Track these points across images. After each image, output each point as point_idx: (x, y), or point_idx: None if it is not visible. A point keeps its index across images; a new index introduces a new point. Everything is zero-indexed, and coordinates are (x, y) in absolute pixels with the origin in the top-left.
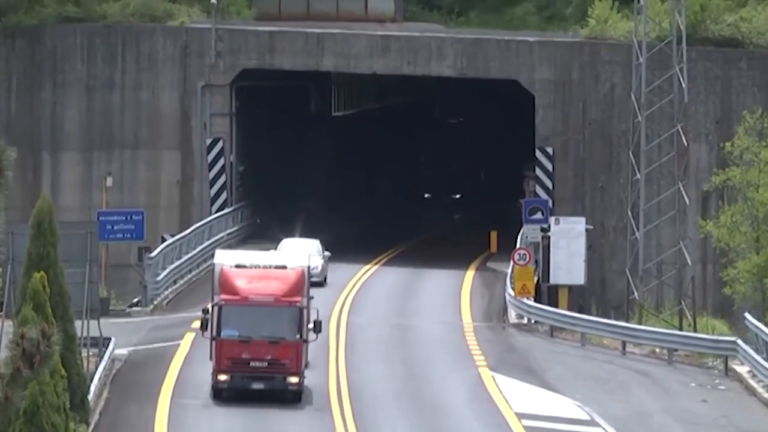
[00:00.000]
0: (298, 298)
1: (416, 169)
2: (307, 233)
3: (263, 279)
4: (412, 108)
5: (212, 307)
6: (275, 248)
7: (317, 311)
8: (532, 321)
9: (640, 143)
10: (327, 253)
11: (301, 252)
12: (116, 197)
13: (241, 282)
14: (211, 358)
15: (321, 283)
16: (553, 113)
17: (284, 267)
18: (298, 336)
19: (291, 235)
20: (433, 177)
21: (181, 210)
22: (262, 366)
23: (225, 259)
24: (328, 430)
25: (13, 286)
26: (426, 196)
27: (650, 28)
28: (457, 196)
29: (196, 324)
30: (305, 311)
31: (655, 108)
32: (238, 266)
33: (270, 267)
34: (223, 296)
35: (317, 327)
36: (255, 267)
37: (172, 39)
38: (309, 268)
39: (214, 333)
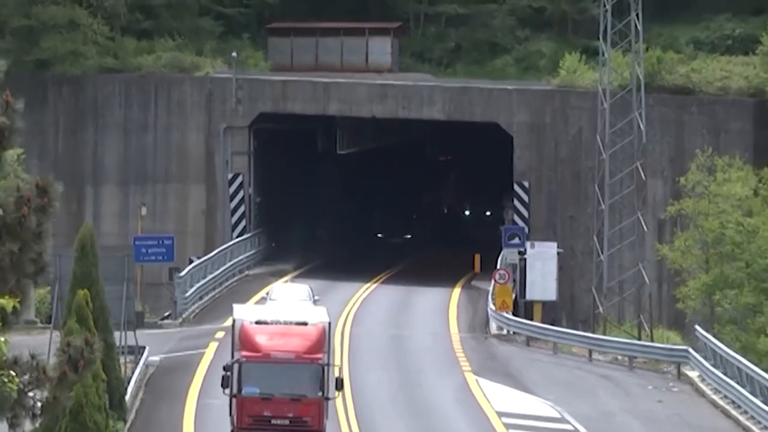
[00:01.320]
0: (319, 355)
1: (410, 199)
2: (314, 257)
3: (284, 335)
4: (406, 147)
5: (233, 364)
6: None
7: (339, 368)
8: (511, 332)
9: (604, 178)
10: (317, 298)
11: (296, 295)
12: (149, 224)
13: (262, 338)
14: (231, 415)
15: None
16: (528, 152)
17: (305, 323)
18: (320, 393)
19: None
20: (424, 206)
21: (206, 235)
22: (283, 424)
23: (245, 314)
24: (334, 428)
25: (60, 302)
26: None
27: (613, 78)
28: (451, 221)
29: (220, 335)
30: (327, 368)
31: (618, 147)
32: (258, 322)
33: (291, 323)
34: (244, 353)
35: (339, 384)
36: (276, 323)
37: (198, 87)
38: (330, 324)
39: (235, 390)
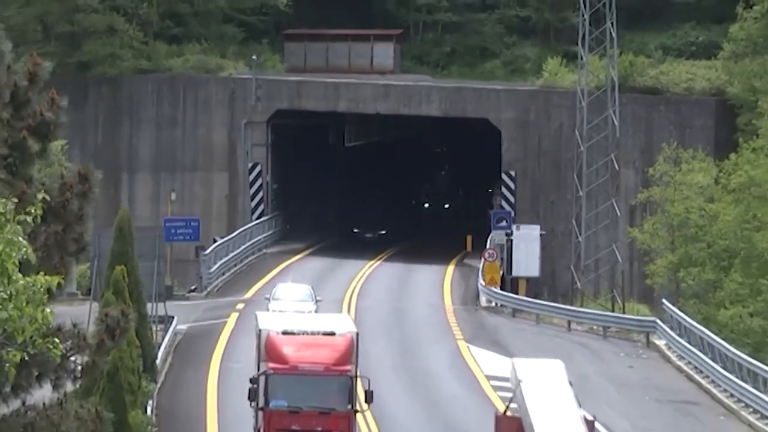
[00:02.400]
0: (348, 367)
1: (409, 186)
2: (324, 237)
3: (312, 347)
4: (406, 140)
5: (259, 376)
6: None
7: (368, 381)
8: (499, 305)
9: (582, 168)
10: (319, 299)
11: (298, 295)
12: (178, 208)
13: (289, 350)
14: (256, 429)
15: None
16: (515, 145)
17: (333, 333)
18: (348, 406)
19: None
20: (423, 192)
21: (228, 218)
22: None
23: (270, 324)
24: None
25: (99, 277)
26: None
27: (590, 80)
28: (446, 206)
29: (240, 306)
30: (355, 380)
31: (594, 141)
32: (285, 333)
33: (318, 333)
34: (271, 365)
35: (368, 397)
36: (303, 333)
37: (222, 87)
38: (357, 334)
39: (262, 403)
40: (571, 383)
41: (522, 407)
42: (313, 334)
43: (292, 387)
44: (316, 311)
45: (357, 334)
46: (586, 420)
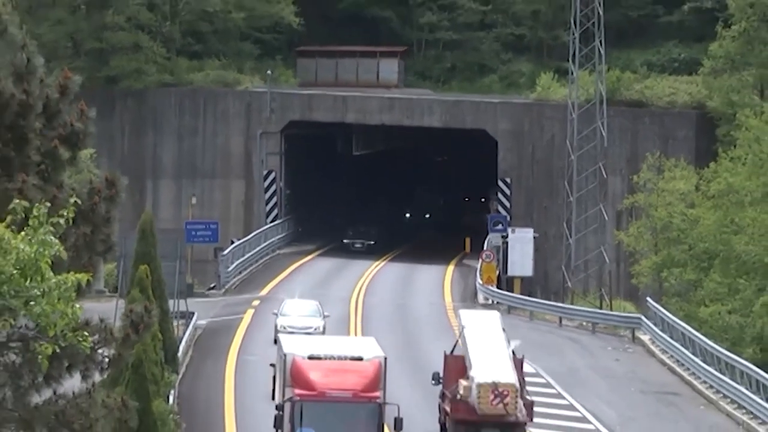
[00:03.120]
0: (377, 393)
1: (413, 192)
2: (333, 239)
3: (339, 372)
4: (410, 149)
5: (285, 403)
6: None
7: (398, 407)
8: (495, 302)
9: (572, 175)
10: (327, 314)
11: (306, 311)
12: (198, 212)
13: (315, 375)
14: None
15: None
16: (510, 154)
17: (360, 358)
18: None
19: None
20: (426, 197)
21: (245, 221)
22: None
23: (296, 348)
24: None
25: (125, 275)
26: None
27: (580, 94)
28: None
29: (256, 303)
30: (384, 407)
31: (584, 150)
32: (311, 358)
33: (346, 358)
34: (298, 391)
35: (398, 425)
36: (330, 358)
37: (239, 99)
38: (386, 359)
39: (288, 431)
40: (504, 329)
41: (464, 347)
42: (340, 359)
43: (319, 414)
44: (323, 327)
45: (385, 358)
46: (515, 358)
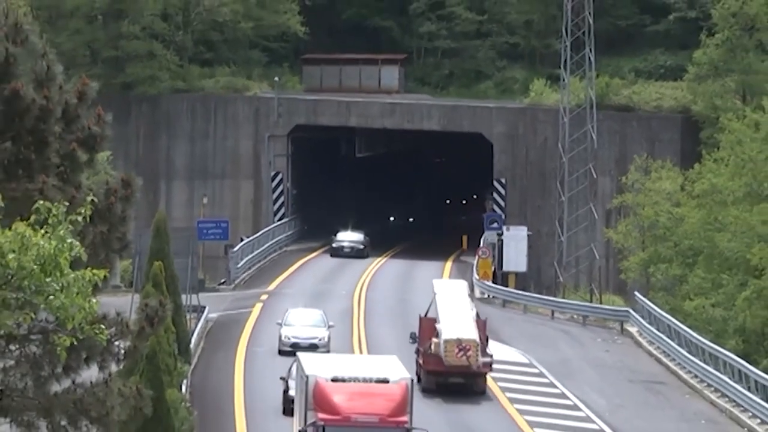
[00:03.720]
0: (404, 418)
1: (413, 193)
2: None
3: (365, 395)
4: (410, 151)
5: (308, 427)
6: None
7: None
8: (491, 296)
9: (564, 176)
10: (332, 324)
11: (310, 320)
12: (209, 211)
13: (340, 398)
14: None
15: (327, 352)
16: (505, 156)
17: (386, 381)
18: None
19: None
20: (424, 198)
21: (254, 220)
22: None
23: (318, 370)
24: None
25: (140, 271)
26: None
27: (571, 99)
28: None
29: (264, 297)
30: None
31: (575, 153)
32: (335, 380)
33: (371, 380)
34: (321, 415)
35: None
36: (354, 380)
37: (248, 104)
38: (412, 381)
39: None
40: (470, 296)
41: (435, 310)
42: (365, 381)
43: None
44: (328, 337)
45: (411, 380)
46: (478, 320)
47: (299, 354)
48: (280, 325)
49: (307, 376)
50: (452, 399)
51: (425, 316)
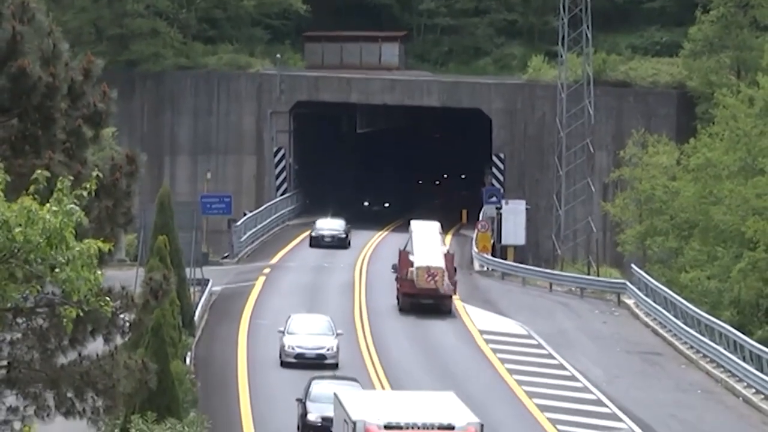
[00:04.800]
0: None
1: (413, 166)
2: (338, 212)
3: None
4: (410, 127)
5: None
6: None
7: None
8: (490, 269)
9: (562, 151)
10: (340, 332)
11: (318, 326)
12: (213, 186)
13: None
14: None
15: (336, 365)
16: (504, 131)
17: (452, 428)
18: None
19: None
20: (424, 171)
21: (256, 194)
22: None
23: (367, 413)
24: (352, 341)
25: (144, 245)
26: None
27: (569, 75)
28: (438, 183)
29: (267, 270)
30: None
31: (572, 128)
32: (389, 427)
33: (433, 428)
34: None
35: None
36: (413, 428)
37: (251, 81)
38: (482, 426)
39: None
40: (440, 233)
41: (410, 244)
42: (426, 428)
43: None
44: (337, 347)
45: (482, 425)
46: (447, 253)
47: (338, 392)
48: (282, 333)
49: (354, 422)
50: (423, 316)
51: (404, 250)
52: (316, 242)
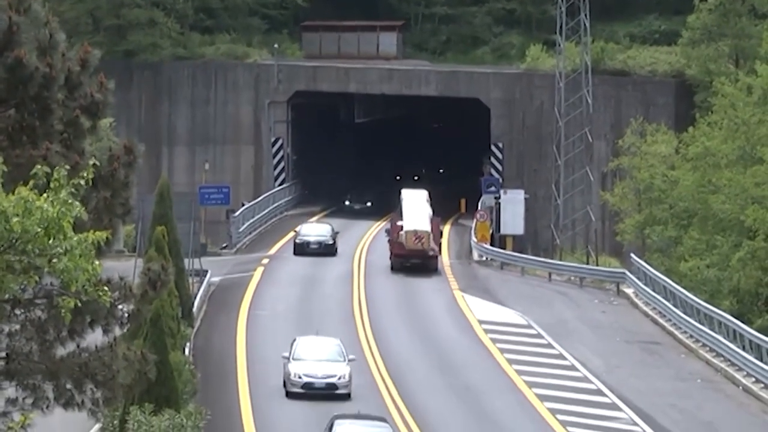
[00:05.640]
0: None
1: (411, 157)
2: (337, 202)
3: None
4: (408, 117)
5: None
6: (327, 208)
7: None
8: (489, 259)
9: (560, 140)
10: (352, 357)
11: (327, 351)
12: (211, 176)
13: None
14: None
15: (348, 395)
16: (502, 121)
17: None
18: None
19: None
20: (422, 162)
21: (255, 185)
22: None
23: None
24: (351, 331)
25: (143, 236)
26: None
27: (567, 64)
28: (441, 171)
29: (265, 261)
30: None
31: (571, 117)
32: None
33: None
34: None
35: None
36: None
37: (249, 71)
38: None
39: None
40: (428, 200)
41: (401, 210)
42: None
43: None
44: (349, 375)
45: None
46: (433, 218)
47: None
48: (287, 359)
49: None
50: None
51: (395, 215)
52: (301, 250)
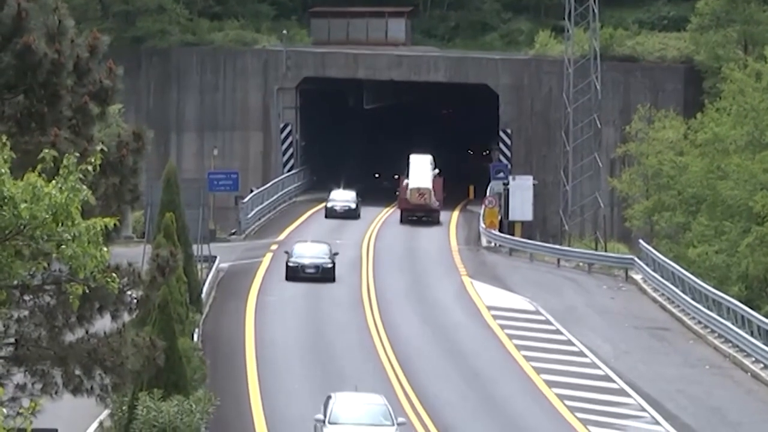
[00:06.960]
0: None
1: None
2: (345, 186)
3: None
4: (417, 103)
5: None
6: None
7: None
8: (497, 245)
9: (569, 126)
10: (402, 420)
11: (371, 411)
12: (220, 162)
13: None
14: None
15: None
16: (511, 107)
17: None
18: None
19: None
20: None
21: (263, 171)
22: None
23: None
24: (360, 318)
25: (151, 222)
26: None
27: (576, 50)
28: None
29: (274, 247)
30: None
31: (579, 103)
32: None
33: None
34: None
35: None
36: None
37: (257, 57)
38: None
39: None
40: (431, 163)
41: (408, 171)
42: None
43: None
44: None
45: None
46: (436, 178)
47: None
48: (323, 422)
49: None
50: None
51: (402, 177)
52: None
